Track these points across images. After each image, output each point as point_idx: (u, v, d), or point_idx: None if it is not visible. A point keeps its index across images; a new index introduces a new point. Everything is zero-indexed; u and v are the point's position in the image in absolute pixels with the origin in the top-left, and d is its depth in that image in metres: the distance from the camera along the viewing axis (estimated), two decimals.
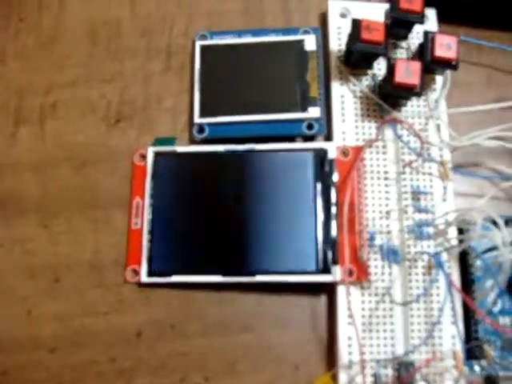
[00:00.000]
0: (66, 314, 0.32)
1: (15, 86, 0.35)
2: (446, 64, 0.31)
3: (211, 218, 0.32)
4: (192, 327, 0.31)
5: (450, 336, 0.30)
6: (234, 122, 0.33)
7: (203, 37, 0.35)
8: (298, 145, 0.33)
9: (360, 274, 0.31)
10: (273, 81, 0.33)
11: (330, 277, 0.31)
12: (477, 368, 0.30)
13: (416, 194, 0.32)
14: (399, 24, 0.32)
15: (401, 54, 0.34)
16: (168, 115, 0.35)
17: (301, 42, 0.34)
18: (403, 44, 0.34)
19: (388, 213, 0.32)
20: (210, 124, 0.33)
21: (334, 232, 0.31)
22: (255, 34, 0.34)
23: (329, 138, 0.33)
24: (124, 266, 0.32)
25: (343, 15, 0.35)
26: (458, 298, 0.30)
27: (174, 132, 0.34)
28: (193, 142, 0.34)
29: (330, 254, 0.31)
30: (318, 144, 0.33)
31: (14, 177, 0.34)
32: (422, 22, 0.32)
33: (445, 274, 0.30)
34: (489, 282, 0.30)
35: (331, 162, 0.32)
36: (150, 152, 0.33)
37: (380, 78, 0.33)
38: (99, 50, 0.36)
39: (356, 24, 0.31)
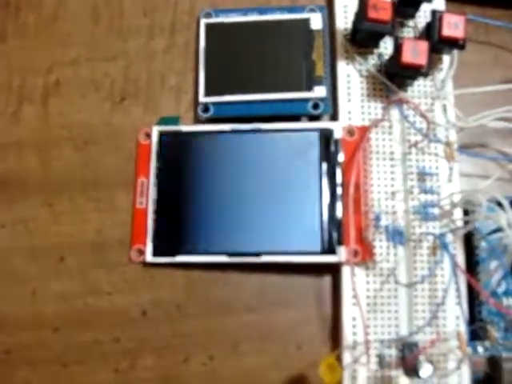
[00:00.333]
0: (70, 294, 0.32)
1: (17, 65, 0.35)
2: (454, 43, 0.31)
3: (216, 198, 0.32)
4: (196, 307, 0.31)
5: (454, 317, 0.30)
6: (239, 101, 0.33)
7: (208, 15, 0.34)
8: (304, 124, 0.33)
9: (365, 255, 0.30)
10: (278, 60, 0.33)
11: (334, 257, 0.30)
12: (480, 349, 0.30)
13: (422, 175, 0.32)
14: (407, 3, 0.32)
15: (408, 32, 0.34)
16: (172, 94, 0.34)
17: (307, 21, 0.33)
18: (410, 23, 0.34)
19: (393, 193, 0.31)
20: (214, 103, 0.33)
21: (339, 212, 0.31)
22: (261, 12, 0.34)
23: (334, 117, 0.33)
24: (128, 246, 0.32)
25: None
26: (462, 280, 0.30)
27: (178, 111, 0.34)
28: (198, 121, 0.34)
29: (335, 235, 0.31)
30: (324, 124, 0.32)
31: (17, 156, 0.33)
32: (430, 1, 0.31)
33: (450, 255, 0.30)
34: (493, 264, 0.30)
35: (337, 141, 0.32)
36: (155, 131, 0.33)
37: (386, 57, 0.33)
38: (101, 28, 0.35)
39: (363, 3, 0.31)
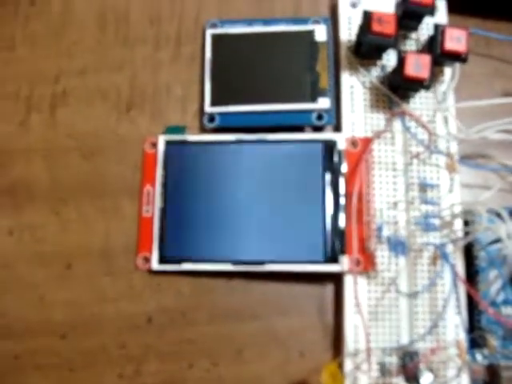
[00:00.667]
0: (77, 301, 0.32)
1: (25, 73, 0.35)
2: (456, 57, 0.31)
3: (221, 208, 0.32)
4: (201, 315, 0.32)
5: (454, 326, 0.31)
6: (245, 111, 0.33)
7: (213, 25, 0.35)
8: (308, 135, 0.33)
9: (367, 264, 0.31)
10: (283, 71, 0.33)
11: (337, 266, 0.31)
12: (479, 357, 0.31)
13: (423, 186, 0.32)
14: (410, 15, 0.32)
15: (410, 45, 0.34)
16: (178, 104, 0.35)
17: (311, 33, 0.34)
18: (413, 35, 0.34)
19: (395, 204, 0.32)
20: (220, 113, 0.33)
21: (342, 222, 0.31)
22: (266, 22, 0.34)
23: (338, 128, 0.33)
24: (134, 254, 0.32)
25: (354, 5, 0.34)
26: (462, 289, 0.31)
27: (184, 121, 0.34)
28: (203, 130, 0.34)
29: (337, 244, 0.31)
30: (328, 135, 0.33)
31: (25, 164, 0.34)
32: (432, 14, 0.32)
33: (450, 265, 0.31)
34: (493, 274, 0.31)
35: (340, 152, 0.32)
36: (161, 140, 0.33)
37: (389, 69, 0.33)
38: (108, 37, 0.36)
39: (367, 16, 0.31)
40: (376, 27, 0.31)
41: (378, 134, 0.32)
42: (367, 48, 0.32)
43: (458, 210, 0.31)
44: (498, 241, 0.31)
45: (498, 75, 0.35)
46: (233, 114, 0.33)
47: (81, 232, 0.33)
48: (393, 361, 0.30)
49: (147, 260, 0.32)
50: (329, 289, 0.33)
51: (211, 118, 0.33)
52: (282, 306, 0.32)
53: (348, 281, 0.31)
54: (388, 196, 0.32)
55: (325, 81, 0.33)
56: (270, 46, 0.34)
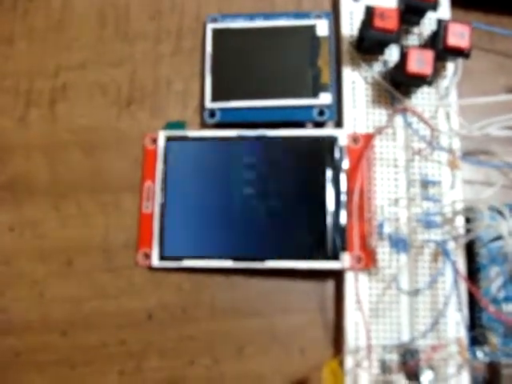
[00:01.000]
0: (77, 297, 0.32)
1: (24, 68, 0.35)
2: (459, 53, 0.31)
3: (222, 204, 0.32)
4: (202, 311, 0.32)
5: (455, 323, 0.31)
6: (245, 107, 0.33)
7: (214, 20, 0.34)
8: (309, 131, 0.33)
9: (368, 261, 0.31)
10: (284, 66, 0.33)
11: (338, 263, 0.31)
12: (480, 354, 0.31)
13: (425, 183, 0.32)
14: (412, 10, 0.32)
15: (413, 40, 0.34)
16: (178, 99, 0.34)
17: (313, 28, 0.34)
18: (415, 30, 0.34)
19: (397, 200, 0.32)
20: (221, 109, 0.33)
21: (343, 219, 0.31)
22: (267, 17, 0.34)
23: (339, 124, 0.33)
24: (134, 250, 0.32)
25: None
26: (463, 286, 0.31)
27: (184, 116, 0.34)
28: (204, 126, 0.34)
29: (339, 241, 0.31)
30: (329, 131, 0.33)
31: (25, 160, 0.34)
32: (435, 9, 0.31)
33: (451, 262, 0.31)
34: (494, 271, 0.31)
35: (342, 149, 0.32)
36: (162, 136, 0.33)
37: (391, 64, 0.33)
38: (108, 32, 0.35)
39: (369, 11, 0.31)
40: (378, 22, 0.30)
41: (379, 130, 0.32)
42: (369, 43, 0.32)
43: (459, 207, 0.31)
44: (499, 238, 0.31)
45: (502, 71, 0.35)
46: (233, 109, 0.33)
47: (81, 228, 0.33)
48: (393, 358, 0.30)
49: (147, 256, 0.32)
50: (330, 286, 0.32)
51: (212, 113, 0.33)
52: (283, 302, 0.32)
53: (349, 278, 0.31)
54: (389, 192, 0.32)
55: (326, 76, 0.33)
56: (271, 41, 0.34)
